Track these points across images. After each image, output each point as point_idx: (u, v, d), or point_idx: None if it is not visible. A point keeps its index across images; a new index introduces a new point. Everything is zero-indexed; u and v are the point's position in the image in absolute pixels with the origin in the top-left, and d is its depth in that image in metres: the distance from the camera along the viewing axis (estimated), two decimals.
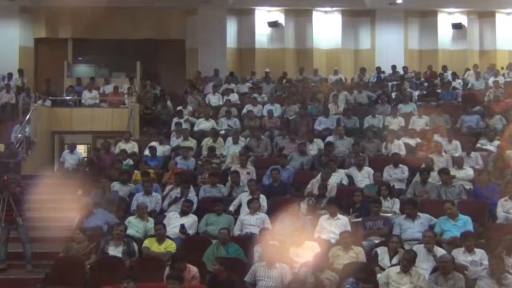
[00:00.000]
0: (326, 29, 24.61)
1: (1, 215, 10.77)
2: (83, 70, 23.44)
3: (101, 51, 23.67)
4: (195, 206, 11.90)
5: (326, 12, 24.67)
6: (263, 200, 11.80)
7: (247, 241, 10.29)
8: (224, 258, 9.16)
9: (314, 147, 14.99)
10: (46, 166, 18.78)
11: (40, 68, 23.64)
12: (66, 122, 19.43)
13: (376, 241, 10.28)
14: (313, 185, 12.45)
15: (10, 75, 21.62)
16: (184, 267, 8.57)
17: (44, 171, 17.81)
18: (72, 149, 16.49)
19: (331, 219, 10.81)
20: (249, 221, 10.92)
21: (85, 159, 16.70)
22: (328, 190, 12.11)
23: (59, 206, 13.66)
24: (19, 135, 17.04)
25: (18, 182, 11.29)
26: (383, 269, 9.11)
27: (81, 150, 19.65)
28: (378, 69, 22.58)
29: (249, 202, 11.29)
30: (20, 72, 22.17)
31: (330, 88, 20.31)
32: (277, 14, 24.46)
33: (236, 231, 10.91)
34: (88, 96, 20.41)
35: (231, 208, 11.84)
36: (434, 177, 12.57)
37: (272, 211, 11.41)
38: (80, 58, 24.13)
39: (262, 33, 24.28)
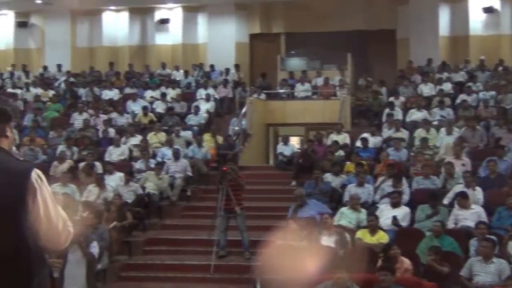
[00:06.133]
0: None
1: (221, 205, 11.34)
2: (295, 63, 23.92)
3: (312, 44, 24.00)
4: (407, 197, 11.80)
5: None
6: (478, 192, 11.48)
7: (462, 235, 10.05)
8: (439, 248, 9.02)
9: None
10: (261, 158, 19.49)
11: (255, 63, 24.50)
12: (279, 115, 19.98)
13: None
14: None
15: (227, 70, 22.64)
16: (396, 257, 8.53)
17: (260, 163, 18.52)
18: (286, 141, 16.90)
19: None
20: (464, 215, 10.64)
21: (299, 151, 17.06)
22: None
23: (274, 196, 14.17)
24: (236, 128, 17.80)
25: (236, 173, 11.77)
26: None
27: (294, 142, 20.10)
28: None
29: (457, 196, 11.02)
30: (237, 67, 23.13)
31: None
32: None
33: (451, 224, 10.67)
34: (300, 89, 20.86)
35: (446, 200, 11.59)
36: None
37: (488, 205, 11.03)
38: (292, 52, 24.66)
39: (476, 20, 23.31)
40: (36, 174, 2.88)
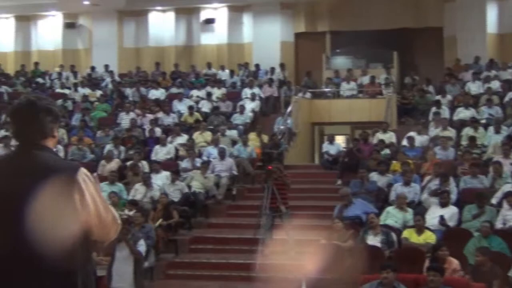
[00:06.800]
0: None
1: (266, 204, 11.35)
2: (340, 62, 23.87)
3: (357, 43, 23.87)
4: (454, 197, 11.66)
5: None
6: None
7: (511, 235, 9.91)
8: (487, 249, 8.90)
9: None
10: (307, 157, 19.46)
11: (300, 62, 24.44)
12: (325, 114, 19.92)
13: None
14: None
15: (272, 69, 22.65)
16: (444, 258, 8.46)
17: (305, 162, 18.49)
18: (331, 140, 16.84)
19: None
20: None
21: (345, 149, 16.98)
22: None
23: (320, 195, 14.13)
24: (282, 127, 17.79)
25: (281, 171, 11.78)
26: None
27: (340, 141, 20.02)
28: None
29: (506, 196, 10.83)
30: (282, 66, 23.11)
31: None
32: None
33: (499, 224, 10.51)
34: (346, 88, 20.77)
35: (494, 200, 11.42)
36: None
37: None
38: (337, 51, 24.56)
39: None
40: (82, 173, 2.93)
